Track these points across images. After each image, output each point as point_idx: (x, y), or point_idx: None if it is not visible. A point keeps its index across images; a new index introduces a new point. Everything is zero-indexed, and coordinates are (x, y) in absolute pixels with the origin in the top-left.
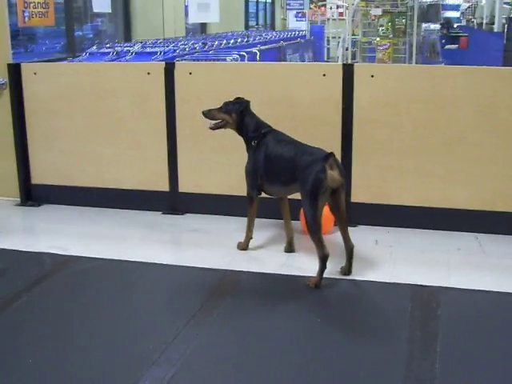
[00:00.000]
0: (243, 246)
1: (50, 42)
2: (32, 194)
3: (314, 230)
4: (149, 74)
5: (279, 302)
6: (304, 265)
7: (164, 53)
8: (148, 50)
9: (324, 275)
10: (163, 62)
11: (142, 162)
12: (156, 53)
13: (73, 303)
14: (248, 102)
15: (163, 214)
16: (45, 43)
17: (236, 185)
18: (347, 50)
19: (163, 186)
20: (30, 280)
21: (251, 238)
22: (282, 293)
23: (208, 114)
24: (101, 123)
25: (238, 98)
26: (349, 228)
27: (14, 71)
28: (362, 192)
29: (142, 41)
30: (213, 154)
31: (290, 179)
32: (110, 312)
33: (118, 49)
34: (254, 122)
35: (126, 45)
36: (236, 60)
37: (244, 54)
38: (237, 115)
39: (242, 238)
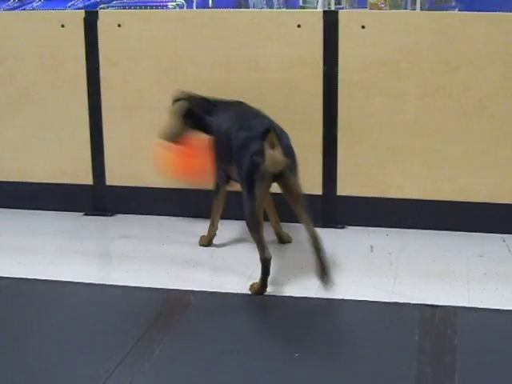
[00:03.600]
0: (204, 242)
1: None
2: None
3: (252, 225)
4: (63, 26)
5: (242, 331)
6: (284, 277)
7: None
8: None
9: (303, 292)
10: (82, 11)
11: (56, 146)
12: None
13: None
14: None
15: (86, 215)
16: None
17: None
18: None
19: (85, 177)
20: None
21: (214, 235)
22: (246, 319)
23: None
24: None
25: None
26: (335, 230)
27: None
28: (350, 182)
29: None
30: (151, 133)
31: (231, 158)
32: (14, 350)
33: None
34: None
35: None
36: (181, 7)
37: None
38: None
39: (192, 244)
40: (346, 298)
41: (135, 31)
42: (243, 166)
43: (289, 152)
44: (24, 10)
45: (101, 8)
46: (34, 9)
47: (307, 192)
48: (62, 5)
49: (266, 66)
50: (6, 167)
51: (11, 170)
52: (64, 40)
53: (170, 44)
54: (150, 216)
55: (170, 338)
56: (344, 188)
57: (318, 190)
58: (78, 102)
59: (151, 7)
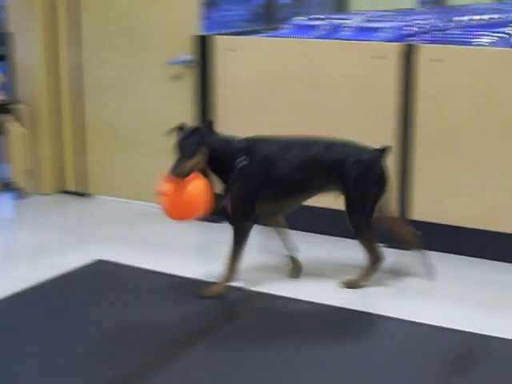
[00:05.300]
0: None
1: (231, 8)
2: None
3: (369, 235)
4: (378, 58)
5: None
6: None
7: (393, 29)
8: (372, 24)
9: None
10: (398, 44)
11: None
12: (382, 29)
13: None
14: (208, 123)
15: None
16: (226, 8)
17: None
18: None
19: None
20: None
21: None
22: None
23: (181, 173)
24: (311, 119)
25: (181, 128)
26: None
27: (201, 46)
28: None
29: (361, 12)
30: (463, 171)
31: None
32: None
33: (332, 21)
34: (226, 140)
35: (340, 16)
36: (495, 44)
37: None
38: (206, 147)
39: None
40: None
41: (453, 66)
42: (369, 184)
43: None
44: (335, 38)
45: (412, 40)
46: (344, 38)
47: None
48: (370, 35)
49: None
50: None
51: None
52: (377, 71)
53: (487, 81)
54: (450, 254)
55: None
56: None
57: None
58: (385, 134)
59: (462, 43)
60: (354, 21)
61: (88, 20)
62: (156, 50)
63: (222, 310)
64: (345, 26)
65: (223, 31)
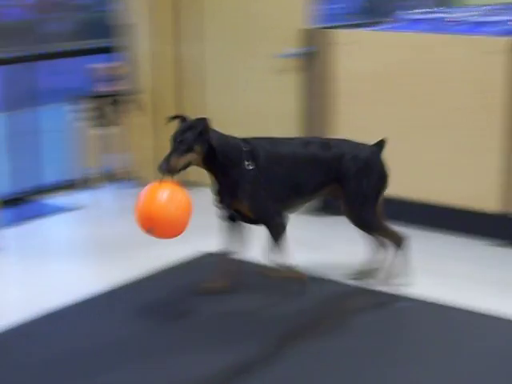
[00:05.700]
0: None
1: (338, 0)
2: None
3: (378, 226)
4: (490, 52)
5: None
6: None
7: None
8: (484, 19)
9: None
10: (506, 38)
11: (466, 171)
12: (496, 23)
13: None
14: (205, 120)
15: (494, 245)
16: (333, 1)
17: None
18: None
19: (493, 204)
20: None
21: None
22: None
23: (170, 170)
24: (423, 114)
25: (183, 119)
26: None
27: (311, 39)
28: None
29: (470, 5)
30: None
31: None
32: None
33: (443, 15)
34: (227, 141)
35: (450, 10)
36: None
37: None
38: (202, 145)
39: None
40: None
41: None
42: (373, 179)
43: None
44: (447, 32)
45: None
46: (456, 32)
47: None
48: (483, 30)
49: None
50: (417, 189)
51: (420, 192)
52: (489, 66)
53: None
54: None
55: None
56: None
57: None
58: (492, 129)
59: None
60: (466, 14)
61: (208, 12)
62: (268, 42)
63: (324, 305)
64: (455, 21)
65: (332, 24)
